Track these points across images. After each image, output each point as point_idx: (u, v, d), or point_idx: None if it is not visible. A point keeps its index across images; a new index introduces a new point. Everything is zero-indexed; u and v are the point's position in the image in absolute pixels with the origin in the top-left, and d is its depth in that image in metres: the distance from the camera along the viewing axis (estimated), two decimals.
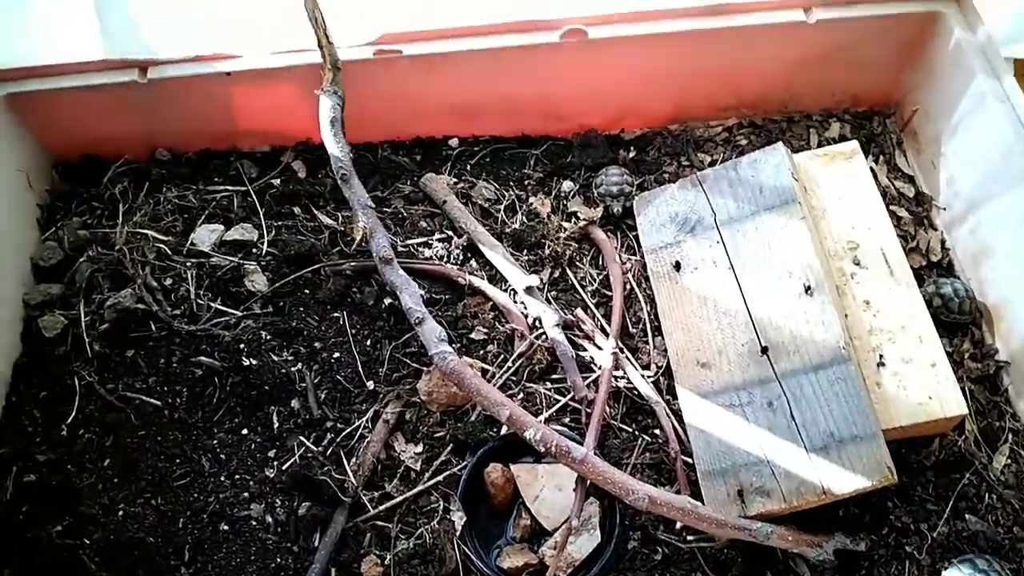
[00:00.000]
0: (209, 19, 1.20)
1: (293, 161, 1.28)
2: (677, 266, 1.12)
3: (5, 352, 1.11)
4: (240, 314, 1.13)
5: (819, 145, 1.26)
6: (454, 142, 1.31)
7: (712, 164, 1.25)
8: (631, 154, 1.28)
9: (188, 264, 1.16)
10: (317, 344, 1.12)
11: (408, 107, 1.26)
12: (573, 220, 1.22)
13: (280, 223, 1.21)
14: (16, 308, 1.14)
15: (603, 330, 1.12)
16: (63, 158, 1.28)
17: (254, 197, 1.23)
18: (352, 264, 1.17)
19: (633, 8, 1.16)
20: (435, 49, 1.18)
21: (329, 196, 1.24)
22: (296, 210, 1.23)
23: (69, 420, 1.07)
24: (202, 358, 1.08)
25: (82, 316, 1.12)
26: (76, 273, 1.16)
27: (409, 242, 1.20)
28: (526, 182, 1.27)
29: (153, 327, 1.11)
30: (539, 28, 1.18)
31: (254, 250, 1.18)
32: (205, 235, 1.19)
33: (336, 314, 1.14)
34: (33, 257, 1.18)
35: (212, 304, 1.13)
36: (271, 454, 1.05)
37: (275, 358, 1.10)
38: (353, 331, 1.13)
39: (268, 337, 1.11)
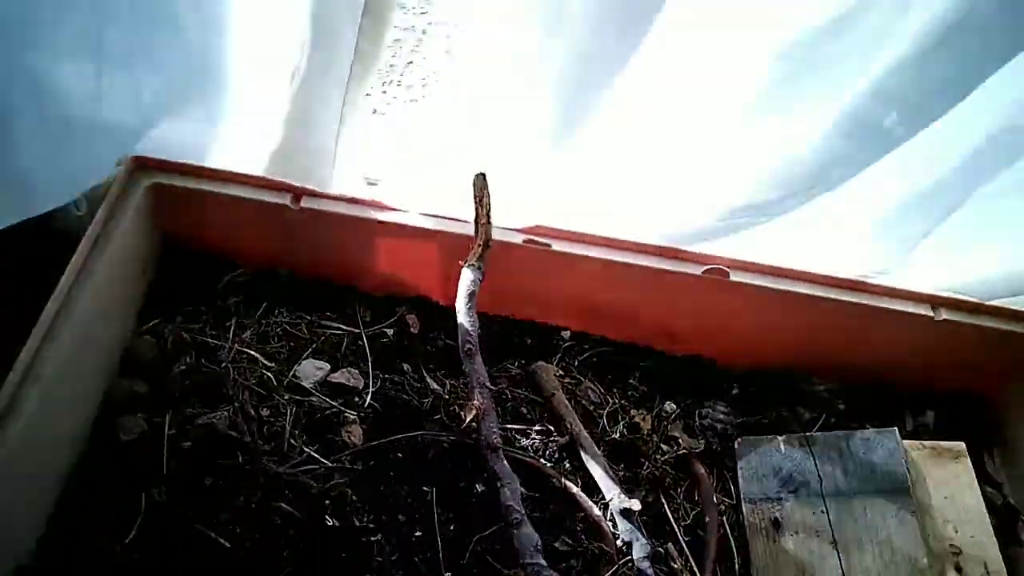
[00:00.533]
0: (370, 158, 1.23)
1: (408, 314, 1.27)
2: (776, 524, 1.11)
3: (72, 443, 1.04)
4: (331, 465, 1.08)
5: (913, 428, 1.29)
6: (567, 334, 1.32)
7: (812, 421, 1.27)
8: (735, 390, 1.30)
9: (287, 398, 1.12)
10: (401, 516, 1.07)
11: (534, 291, 1.28)
12: (673, 445, 1.22)
13: (387, 376, 1.19)
14: (95, 399, 1.08)
15: (692, 573, 1.09)
16: (182, 253, 1.25)
17: (365, 342, 1.21)
18: (453, 438, 1.14)
19: (776, 263, 1.21)
20: (580, 251, 1.21)
21: (440, 360, 1.23)
22: (405, 366, 1.21)
23: (127, 540, 0.99)
24: (284, 505, 1.02)
25: (167, 426, 1.06)
26: (170, 378, 1.11)
27: (508, 426, 1.18)
28: (630, 392, 1.27)
29: (240, 458, 1.05)
30: (684, 258, 1.21)
31: (356, 399, 1.15)
32: (310, 370, 1.16)
33: (426, 488, 1.10)
34: (127, 349, 1.13)
35: (305, 448, 1.08)
36: None
37: (356, 523, 1.04)
38: (439, 511, 1.09)
39: (355, 498, 1.06)
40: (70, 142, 1.05)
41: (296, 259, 1.26)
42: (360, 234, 1.22)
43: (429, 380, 1.20)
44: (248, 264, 1.26)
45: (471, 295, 1.15)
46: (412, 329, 1.27)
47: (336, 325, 1.23)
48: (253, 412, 1.09)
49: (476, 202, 1.16)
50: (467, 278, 1.16)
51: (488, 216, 1.16)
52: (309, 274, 1.28)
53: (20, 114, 0.97)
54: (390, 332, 1.24)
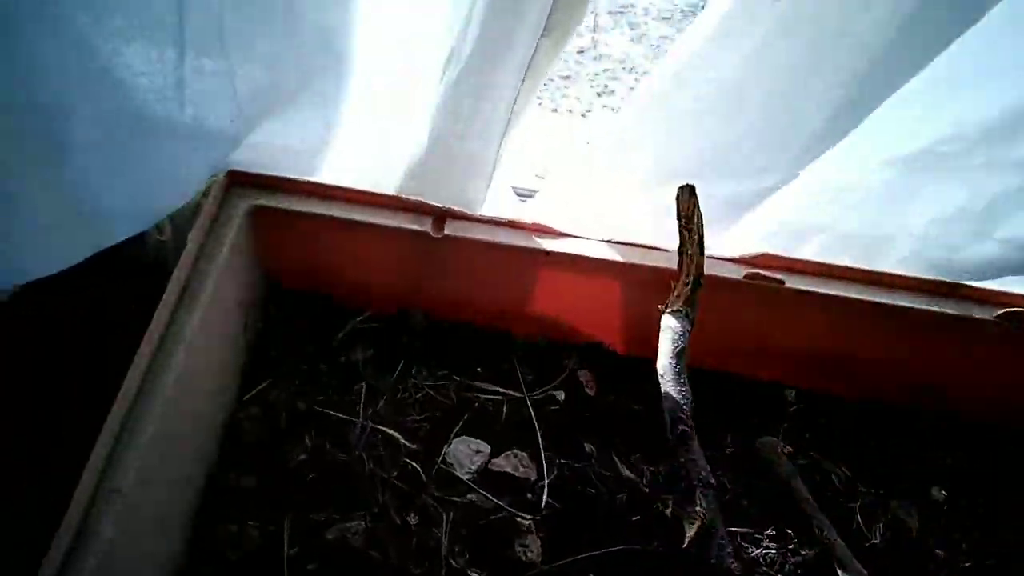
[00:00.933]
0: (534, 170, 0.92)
1: (579, 369, 0.97)
2: None
3: (162, 569, 0.77)
4: None
5: None
6: (791, 394, 0.99)
7: None
8: None
9: (439, 496, 0.83)
10: None
11: (753, 340, 0.96)
12: (954, 551, 0.89)
13: (564, 461, 0.88)
14: (191, 503, 0.81)
15: None
16: (291, 295, 0.98)
17: (531, 412, 0.91)
18: (660, 549, 0.84)
19: None
20: (822, 288, 0.89)
21: (629, 434, 0.92)
22: (587, 446, 0.90)
23: None
24: None
25: (286, 542, 0.78)
26: (285, 469, 0.83)
27: (731, 529, 0.87)
28: (882, 473, 0.94)
29: None
30: (971, 298, 0.88)
31: (529, 495, 0.85)
32: (464, 454, 0.87)
33: None
34: (229, 427, 0.86)
35: (471, 572, 0.79)
36: None
37: None
38: None
39: None
40: (145, 150, 0.79)
41: (435, 298, 0.97)
42: (518, 267, 0.92)
43: (621, 466, 0.90)
44: (375, 307, 0.97)
45: (679, 353, 0.84)
46: (588, 390, 0.96)
47: (491, 387, 0.93)
48: (398, 519, 0.80)
49: (681, 225, 0.85)
50: (672, 329, 0.85)
51: (700, 243, 0.85)
52: (451, 318, 0.98)
53: (80, 114, 0.72)
54: (560, 396, 0.94)
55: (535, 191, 1.00)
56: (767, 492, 0.91)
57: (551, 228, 0.89)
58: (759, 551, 0.87)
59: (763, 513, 0.89)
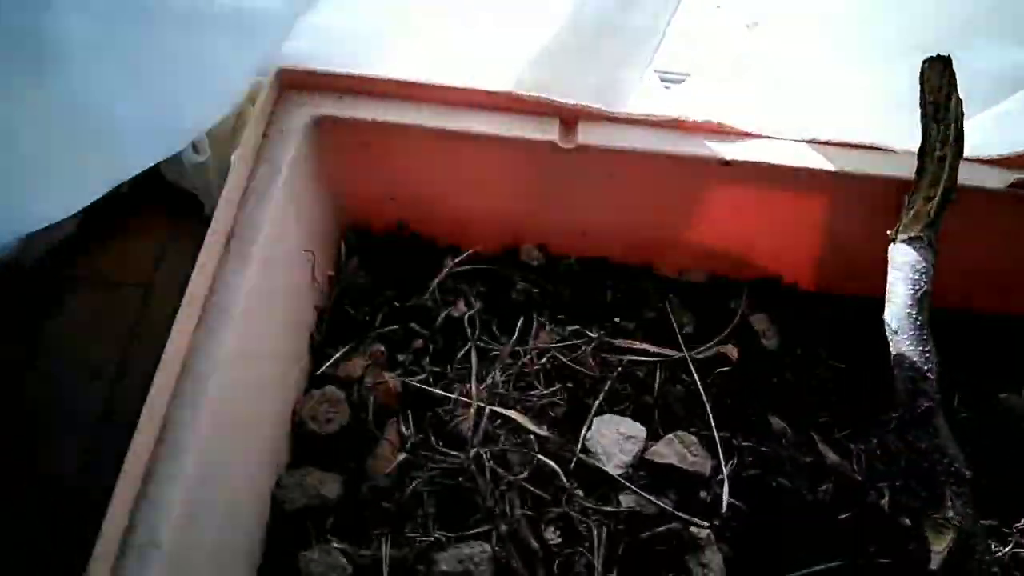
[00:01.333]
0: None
1: (752, 315, 0.73)
2: None
3: None
4: None
5: None
6: None
7: None
8: None
9: (581, 500, 0.62)
10: None
11: (1007, 268, 0.70)
12: None
13: (746, 443, 0.66)
14: (260, 509, 0.61)
15: None
16: (369, 233, 0.75)
17: (696, 377, 0.69)
18: (889, 562, 0.62)
19: None
20: None
21: (831, 404, 0.69)
22: (774, 421, 0.67)
23: None
24: None
25: (385, 568, 0.59)
26: (375, 469, 0.63)
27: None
28: None
29: None
30: None
31: (703, 493, 0.63)
32: (609, 438, 0.65)
33: None
34: (299, 412, 0.66)
35: None
36: None
37: None
38: None
39: None
40: (164, 46, 0.58)
41: (556, 230, 0.74)
42: (678, 182, 0.67)
43: (823, 447, 0.67)
44: (478, 243, 0.74)
45: (920, 298, 0.59)
46: (766, 341, 0.72)
47: (638, 345, 0.70)
48: (534, 538, 0.59)
49: (927, 114, 0.58)
50: (910, 265, 0.59)
51: (956, 142, 0.58)
52: (577, 255, 0.75)
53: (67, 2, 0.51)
54: (732, 352, 0.71)
55: (684, 75, 0.74)
56: (1016, 468, 0.67)
57: (730, 127, 0.64)
58: (1007, 550, 0.64)
59: (1011, 498, 0.66)
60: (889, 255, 0.61)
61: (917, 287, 0.59)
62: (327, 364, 0.68)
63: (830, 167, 0.63)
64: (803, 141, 0.63)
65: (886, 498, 0.65)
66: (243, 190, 0.61)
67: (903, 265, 0.59)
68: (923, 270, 0.59)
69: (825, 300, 0.75)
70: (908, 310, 0.59)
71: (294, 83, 0.66)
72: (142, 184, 0.72)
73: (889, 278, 0.60)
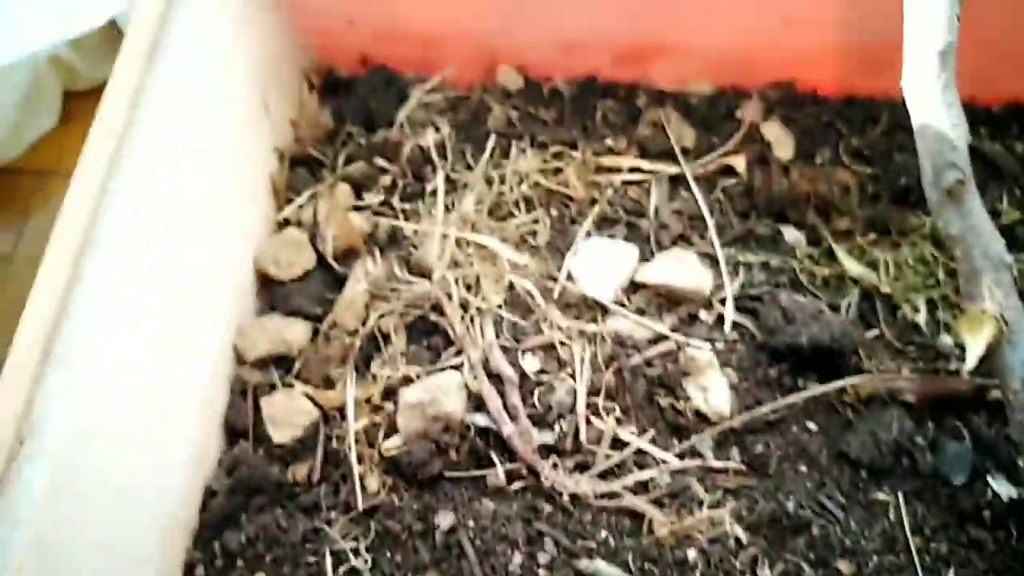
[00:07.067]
0: None
1: (763, 122, 0.64)
2: None
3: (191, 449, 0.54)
4: (677, 462, 0.51)
5: None
6: None
7: None
8: None
9: (558, 320, 0.55)
10: (855, 560, 0.50)
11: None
12: None
13: (753, 258, 0.58)
14: (223, 365, 0.57)
15: None
16: (326, 67, 0.69)
17: (695, 191, 0.60)
18: (936, 381, 0.53)
19: None
20: None
21: (856, 209, 0.59)
22: (787, 233, 0.59)
23: None
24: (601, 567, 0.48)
25: (352, 437, 0.53)
26: (341, 310, 0.58)
27: None
28: None
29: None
30: None
31: (704, 313, 0.56)
32: (597, 263, 0.58)
33: (882, 496, 0.51)
34: (258, 259, 0.61)
35: (630, 431, 0.52)
36: None
37: None
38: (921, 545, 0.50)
39: (735, 545, 0.49)
40: None
41: (534, 47, 0.65)
42: None
43: (844, 255, 0.58)
44: (445, 61, 0.66)
45: (943, 53, 0.49)
46: (778, 151, 0.63)
47: (628, 163, 0.62)
48: (508, 367, 0.53)
49: None
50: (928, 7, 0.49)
51: None
52: (561, 75, 0.67)
53: None
54: (739, 164, 0.62)
55: None
56: None
57: None
58: None
59: None
60: (904, 4, 0.50)
61: (938, 41, 0.49)
62: (288, 208, 0.62)
63: None
64: None
65: (922, 312, 0.57)
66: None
67: (922, 8, 0.49)
68: (947, 18, 0.49)
69: (846, 104, 0.65)
70: (934, 69, 0.49)
71: None
72: None
73: (905, 28, 0.50)
